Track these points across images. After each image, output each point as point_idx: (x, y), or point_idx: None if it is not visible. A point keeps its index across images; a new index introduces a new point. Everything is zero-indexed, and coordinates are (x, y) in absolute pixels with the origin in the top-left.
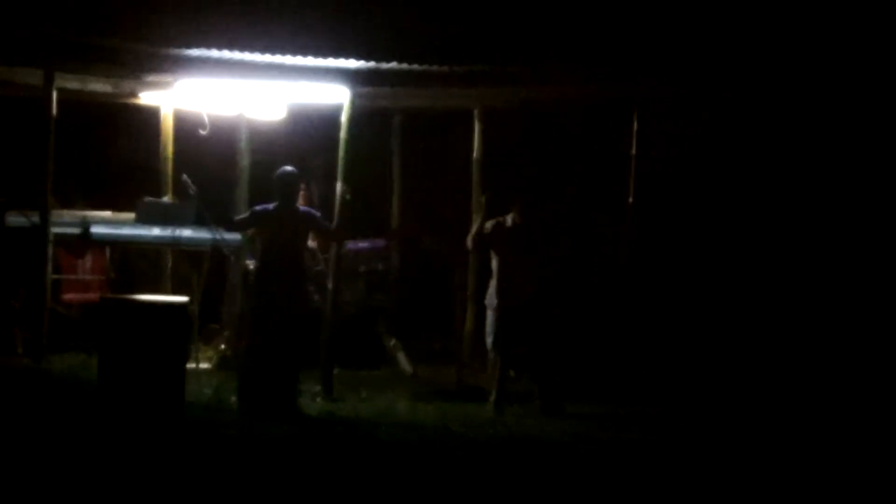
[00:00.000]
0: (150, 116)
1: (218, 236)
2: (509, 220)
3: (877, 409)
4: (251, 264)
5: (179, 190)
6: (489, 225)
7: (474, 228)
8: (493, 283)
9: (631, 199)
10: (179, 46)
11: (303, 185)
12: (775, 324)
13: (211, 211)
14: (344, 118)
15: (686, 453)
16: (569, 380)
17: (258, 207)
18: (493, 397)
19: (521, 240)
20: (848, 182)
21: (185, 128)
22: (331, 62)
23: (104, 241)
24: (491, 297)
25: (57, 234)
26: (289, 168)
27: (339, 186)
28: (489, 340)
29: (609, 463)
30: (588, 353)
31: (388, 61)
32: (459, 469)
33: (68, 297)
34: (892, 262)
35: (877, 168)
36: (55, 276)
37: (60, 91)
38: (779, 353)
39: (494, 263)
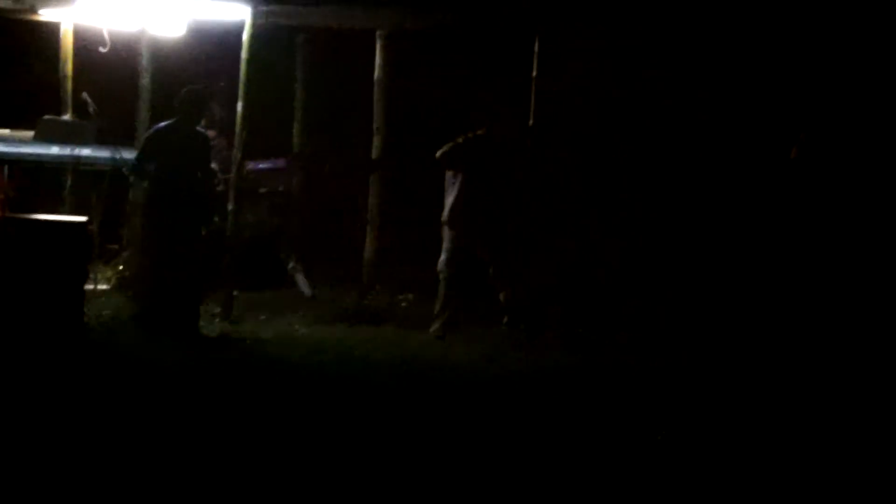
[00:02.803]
0: (49, 33)
1: (118, 155)
2: (480, 138)
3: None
4: None
5: (79, 108)
6: (462, 140)
7: (448, 145)
8: (451, 201)
9: (531, 122)
10: None
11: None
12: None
13: (111, 130)
14: (245, 36)
15: (597, 378)
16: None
17: (152, 129)
18: (438, 323)
19: (487, 160)
20: (762, 108)
21: (86, 44)
22: None
23: (2, 160)
24: (451, 216)
25: None
26: (193, 86)
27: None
28: (442, 259)
29: (517, 386)
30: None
31: None
32: (359, 392)
33: None
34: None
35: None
36: None
37: None
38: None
39: (456, 181)
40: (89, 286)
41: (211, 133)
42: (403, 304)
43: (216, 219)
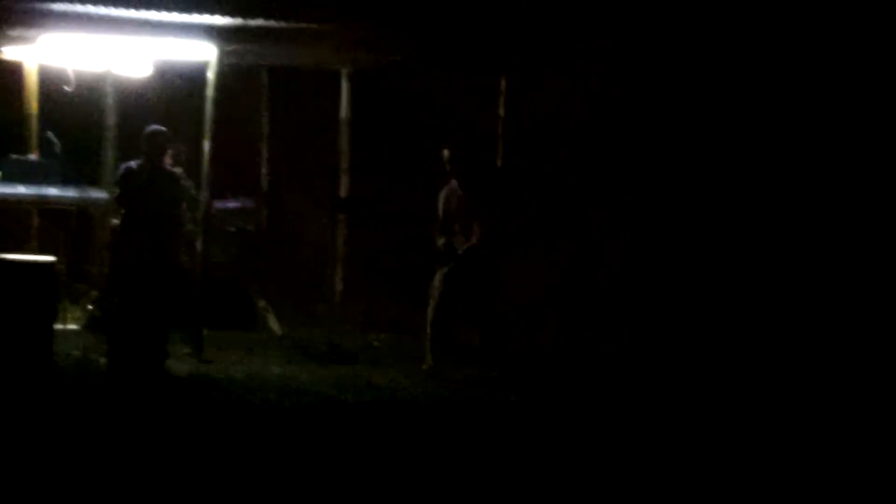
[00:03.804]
0: (13, 72)
1: (84, 195)
2: (455, 186)
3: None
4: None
5: (44, 147)
6: (440, 205)
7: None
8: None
9: (500, 162)
10: (43, 0)
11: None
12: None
13: (76, 170)
14: (210, 75)
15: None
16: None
17: (123, 167)
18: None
19: (462, 203)
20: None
21: (50, 84)
22: (196, 18)
23: None
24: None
25: None
26: (156, 126)
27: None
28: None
29: (480, 423)
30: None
31: (255, 17)
32: (333, 432)
33: None
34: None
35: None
36: None
37: None
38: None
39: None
40: (58, 326)
41: (177, 171)
42: (375, 344)
43: (185, 257)
